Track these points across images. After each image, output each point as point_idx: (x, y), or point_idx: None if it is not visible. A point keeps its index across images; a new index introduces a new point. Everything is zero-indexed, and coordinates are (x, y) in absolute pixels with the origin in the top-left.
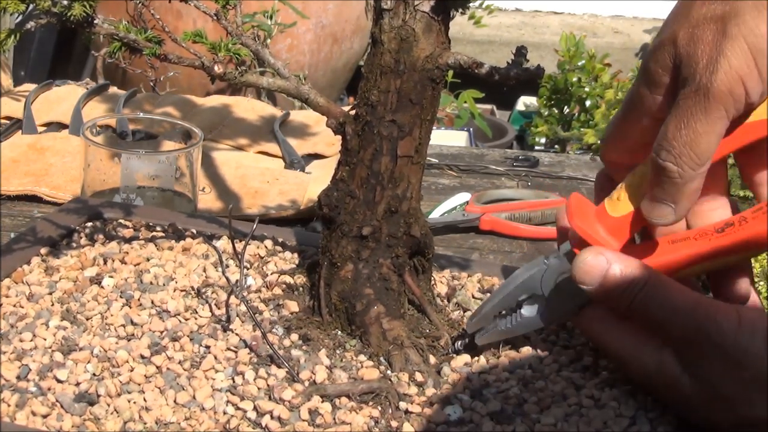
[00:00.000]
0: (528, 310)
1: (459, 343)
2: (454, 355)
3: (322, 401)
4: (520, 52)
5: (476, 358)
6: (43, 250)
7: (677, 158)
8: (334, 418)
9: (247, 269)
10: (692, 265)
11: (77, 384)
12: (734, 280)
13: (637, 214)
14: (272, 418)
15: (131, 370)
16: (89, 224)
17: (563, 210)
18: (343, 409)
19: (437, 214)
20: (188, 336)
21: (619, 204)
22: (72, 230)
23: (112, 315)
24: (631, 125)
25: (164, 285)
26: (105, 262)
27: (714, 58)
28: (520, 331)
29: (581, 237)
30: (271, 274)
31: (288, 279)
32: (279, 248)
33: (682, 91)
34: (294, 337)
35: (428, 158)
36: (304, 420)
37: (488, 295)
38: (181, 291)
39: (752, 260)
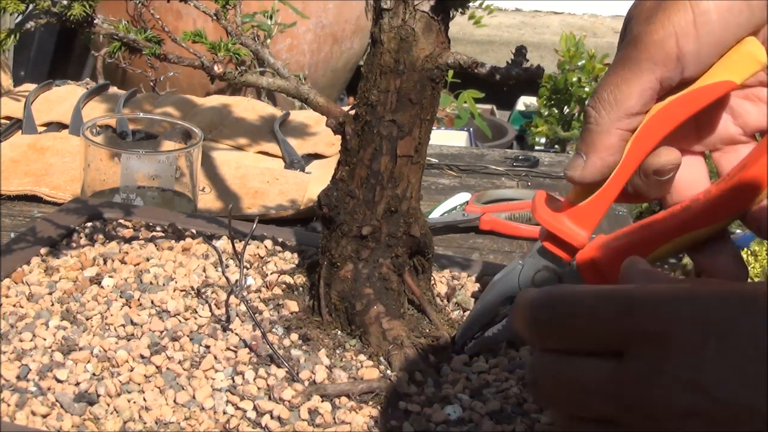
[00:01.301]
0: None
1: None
2: (454, 355)
3: (322, 401)
4: (520, 52)
5: (476, 357)
6: (43, 250)
7: (597, 103)
8: (333, 418)
9: (247, 269)
10: (662, 243)
11: (77, 384)
12: (714, 254)
13: (598, 199)
14: (272, 417)
15: (131, 370)
16: (89, 224)
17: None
18: (342, 409)
19: (437, 214)
20: (188, 336)
21: (582, 192)
22: (72, 230)
23: (111, 315)
24: None
25: (164, 285)
26: (105, 262)
27: (654, 12)
28: (506, 337)
29: (548, 229)
30: (271, 273)
31: (288, 279)
32: (279, 248)
33: (620, 45)
34: (294, 336)
35: (428, 158)
36: (303, 420)
37: None
38: (181, 291)
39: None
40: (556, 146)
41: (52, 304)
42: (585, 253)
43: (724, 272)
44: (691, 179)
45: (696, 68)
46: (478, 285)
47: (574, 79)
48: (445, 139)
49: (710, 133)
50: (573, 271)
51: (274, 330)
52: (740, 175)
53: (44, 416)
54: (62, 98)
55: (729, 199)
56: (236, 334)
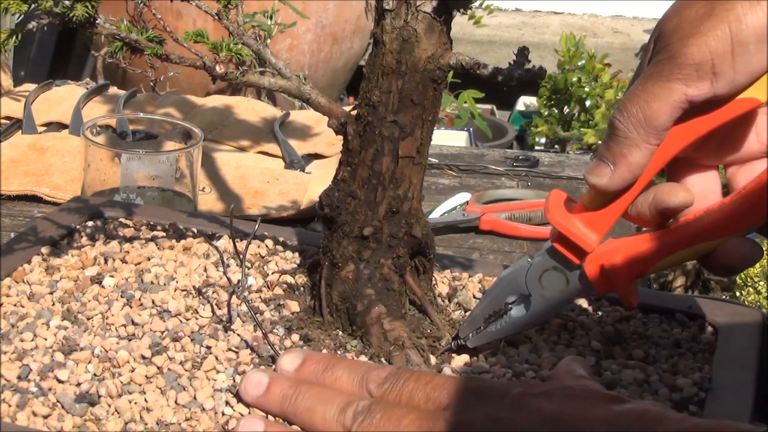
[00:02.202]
0: (516, 311)
1: (453, 343)
2: (454, 355)
3: None
4: (522, 53)
5: (476, 357)
6: (43, 250)
7: (626, 117)
8: None
9: (248, 269)
10: (672, 252)
11: (78, 384)
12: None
13: (614, 206)
14: (272, 418)
15: (132, 371)
16: (90, 223)
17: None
18: None
19: (437, 214)
20: (189, 336)
21: (597, 197)
22: (73, 229)
23: (112, 315)
24: None
25: (165, 285)
26: (106, 262)
27: (691, 33)
28: (509, 332)
29: (559, 231)
30: (272, 273)
31: (289, 279)
32: (280, 248)
33: (652, 60)
34: (295, 337)
35: (428, 158)
36: None
37: None
38: (182, 291)
39: None
40: (556, 146)
41: (53, 304)
42: (594, 258)
43: (734, 252)
44: (705, 191)
45: (728, 91)
46: (479, 285)
47: (574, 79)
48: (445, 139)
49: (733, 150)
50: (581, 273)
51: (275, 330)
52: (758, 187)
53: (45, 417)
54: (62, 98)
55: (744, 211)
56: (237, 334)
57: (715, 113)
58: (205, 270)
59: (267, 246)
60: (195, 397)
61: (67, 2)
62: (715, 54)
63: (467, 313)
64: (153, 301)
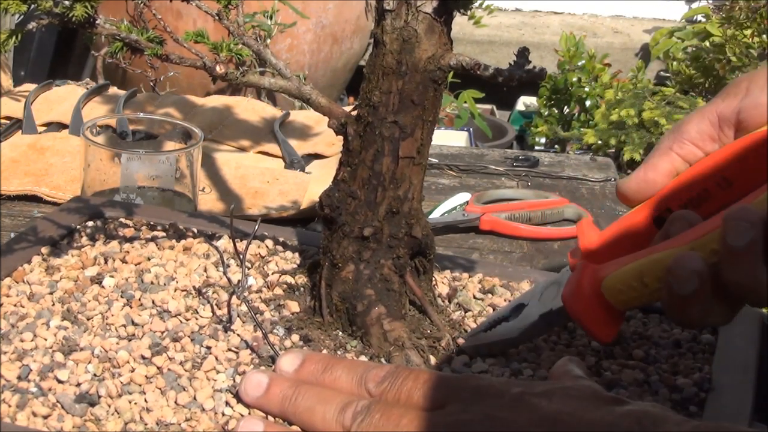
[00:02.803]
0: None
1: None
2: (454, 356)
3: None
4: (523, 53)
5: (476, 358)
6: (43, 249)
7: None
8: None
9: (248, 269)
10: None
11: (78, 384)
12: None
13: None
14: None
15: (132, 371)
16: (90, 223)
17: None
18: None
19: (437, 214)
20: (189, 336)
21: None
22: (73, 229)
23: (112, 315)
24: None
25: (165, 285)
26: (106, 262)
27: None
28: (495, 338)
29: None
30: (272, 273)
31: (289, 279)
32: (280, 248)
33: None
34: (295, 337)
35: (428, 158)
36: None
37: (489, 295)
38: (182, 291)
39: None
40: (556, 146)
41: (53, 304)
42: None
43: None
44: None
45: (752, 106)
46: (479, 286)
47: (574, 79)
48: (445, 139)
49: None
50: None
51: (275, 331)
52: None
53: (45, 417)
54: (62, 98)
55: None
56: (237, 334)
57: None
58: (205, 270)
59: (267, 246)
60: (195, 398)
61: (67, 2)
62: (753, 79)
63: (467, 314)
64: (153, 301)
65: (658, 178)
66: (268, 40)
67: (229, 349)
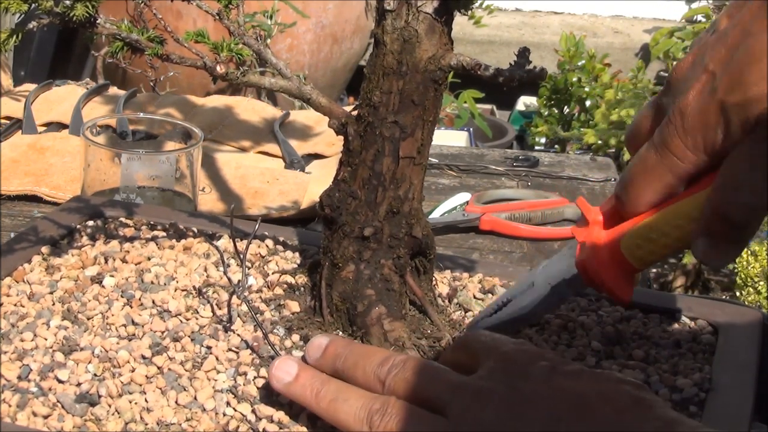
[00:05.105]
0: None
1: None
2: None
3: None
4: (523, 54)
5: None
6: (44, 249)
7: None
8: None
9: (249, 269)
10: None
11: (78, 384)
12: None
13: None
14: (271, 421)
15: (132, 371)
16: (90, 223)
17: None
18: None
19: (437, 214)
20: (189, 336)
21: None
22: (73, 229)
23: (113, 315)
24: None
25: (165, 284)
26: (106, 261)
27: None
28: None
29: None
30: (273, 273)
31: (289, 279)
32: (280, 247)
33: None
34: (295, 337)
35: (428, 158)
36: (303, 423)
37: (489, 295)
38: (182, 291)
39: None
40: (556, 146)
41: (53, 304)
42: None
43: None
44: None
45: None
46: (479, 286)
47: (574, 79)
48: (445, 139)
49: None
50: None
51: (275, 331)
52: None
53: (45, 417)
54: (62, 98)
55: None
56: (238, 334)
57: None
58: (206, 270)
59: (267, 246)
60: (195, 398)
61: (67, 2)
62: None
63: (467, 314)
64: (153, 301)
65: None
66: (268, 40)
67: (230, 349)
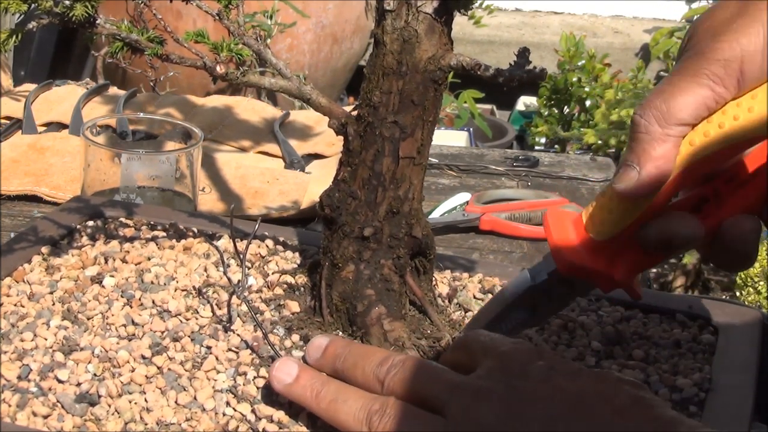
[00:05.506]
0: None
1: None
2: None
3: None
4: (523, 54)
5: None
6: (44, 249)
7: (647, 111)
8: None
9: (249, 269)
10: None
11: (78, 384)
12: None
13: (623, 234)
14: (271, 421)
15: (132, 371)
16: (90, 223)
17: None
18: None
19: (437, 214)
20: (189, 336)
21: (604, 225)
22: (73, 229)
23: (113, 315)
24: None
25: (165, 284)
26: (106, 261)
27: (724, 30)
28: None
29: (577, 265)
30: (272, 273)
31: (289, 279)
32: (280, 248)
33: (682, 57)
34: (295, 337)
35: (428, 158)
36: (303, 423)
37: (489, 295)
38: (182, 291)
39: None
40: (556, 146)
41: (53, 304)
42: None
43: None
44: None
45: (748, 89)
46: (479, 286)
47: (574, 79)
48: (445, 139)
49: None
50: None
51: (275, 331)
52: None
53: (45, 417)
54: (62, 98)
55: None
56: (238, 334)
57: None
58: (206, 270)
59: (267, 246)
60: (195, 398)
61: (67, 2)
62: (745, 51)
63: (467, 314)
64: (153, 301)
65: (669, 166)
66: (268, 40)
67: (230, 349)
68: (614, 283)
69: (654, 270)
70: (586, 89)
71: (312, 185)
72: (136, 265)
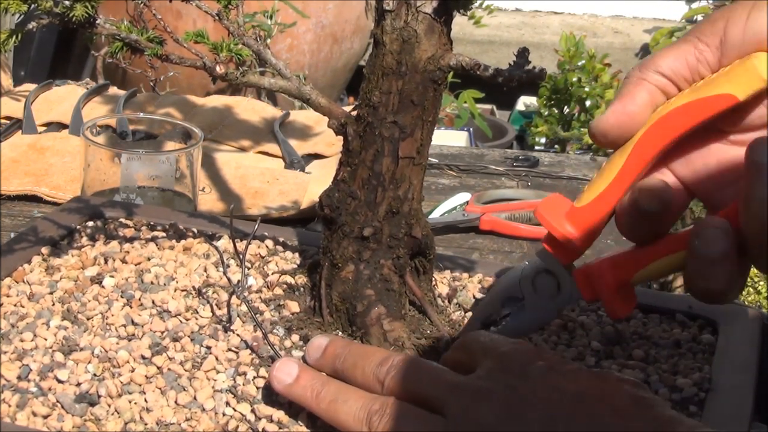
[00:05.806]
0: (512, 316)
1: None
2: None
3: None
4: (523, 54)
5: None
6: (44, 250)
7: (638, 64)
8: None
9: (248, 269)
10: (651, 260)
11: (78, 384)
12: None
13: (597, 200)
14: (271, 421)
15: (132, 371)
16: (90, 223)
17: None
18: None
19: (437, 214)
20: (189, 336)
21: (583, 195)
22: (73, 229)
23: (112, 315)
24: None
25: (165, 285)
26: (106, 262)
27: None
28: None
29: (545, 228)
30: (272, 273)
31: (289, 279)
32: (280, 248)
33: None
34: (295, 338)
35: (428, 158)
36: (303, 423)
37: None
38: (182, 291)
39: None
40: (556, 146)
41: (53, 304)
42: (584, 265)
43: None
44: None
45: (735, 56)
46: (479, 286)
47: (574, 79)
48: (445, 139)
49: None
50: (571, 279)
51: (275, 331)
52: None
53: (45, 417)
54: (62, 98)
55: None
56: (237, 334)
57: (692, 108)
58: (205, 270)
59: (267, 246)
60: (195, 398)
61: (67, 2)
62: (731, 14)
63: (467, 314)
64: (153, 301)
65: (638, 111)
66: (268, 40)
67: (229, 349)
68: (594, 290)
69: None
70: (586, 89)
71: (312, 185)
72: (135, 265)
